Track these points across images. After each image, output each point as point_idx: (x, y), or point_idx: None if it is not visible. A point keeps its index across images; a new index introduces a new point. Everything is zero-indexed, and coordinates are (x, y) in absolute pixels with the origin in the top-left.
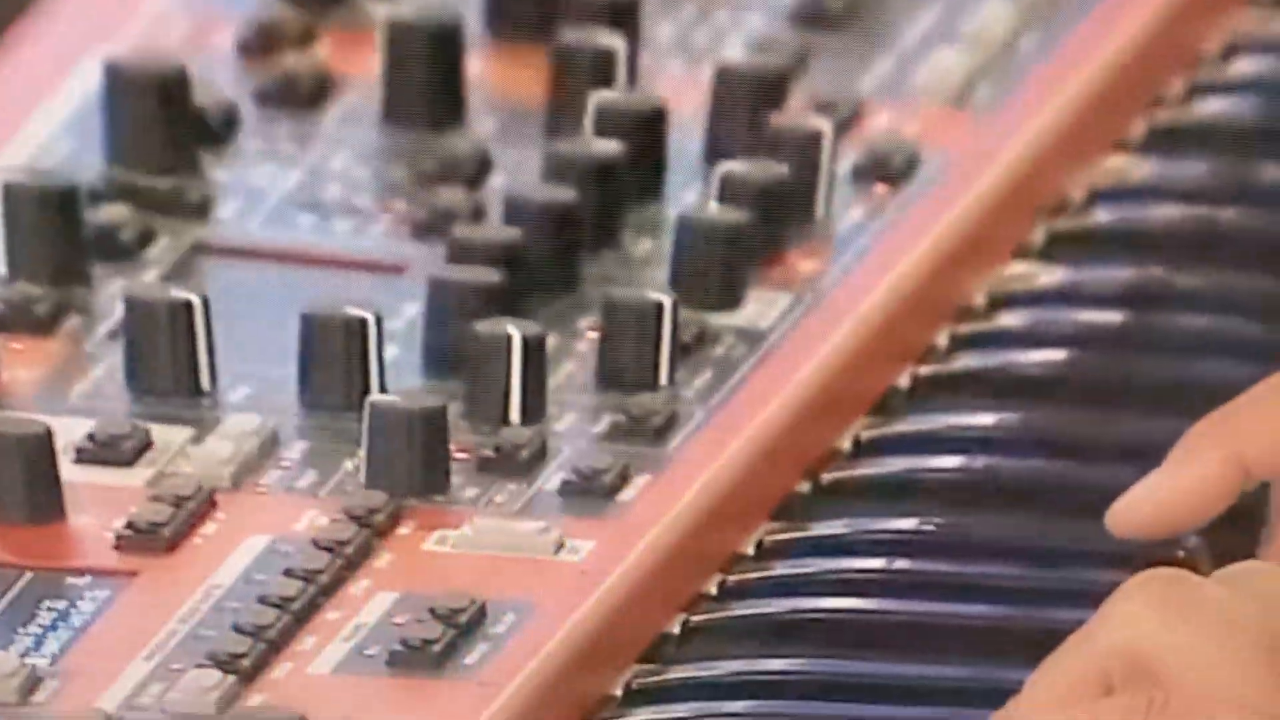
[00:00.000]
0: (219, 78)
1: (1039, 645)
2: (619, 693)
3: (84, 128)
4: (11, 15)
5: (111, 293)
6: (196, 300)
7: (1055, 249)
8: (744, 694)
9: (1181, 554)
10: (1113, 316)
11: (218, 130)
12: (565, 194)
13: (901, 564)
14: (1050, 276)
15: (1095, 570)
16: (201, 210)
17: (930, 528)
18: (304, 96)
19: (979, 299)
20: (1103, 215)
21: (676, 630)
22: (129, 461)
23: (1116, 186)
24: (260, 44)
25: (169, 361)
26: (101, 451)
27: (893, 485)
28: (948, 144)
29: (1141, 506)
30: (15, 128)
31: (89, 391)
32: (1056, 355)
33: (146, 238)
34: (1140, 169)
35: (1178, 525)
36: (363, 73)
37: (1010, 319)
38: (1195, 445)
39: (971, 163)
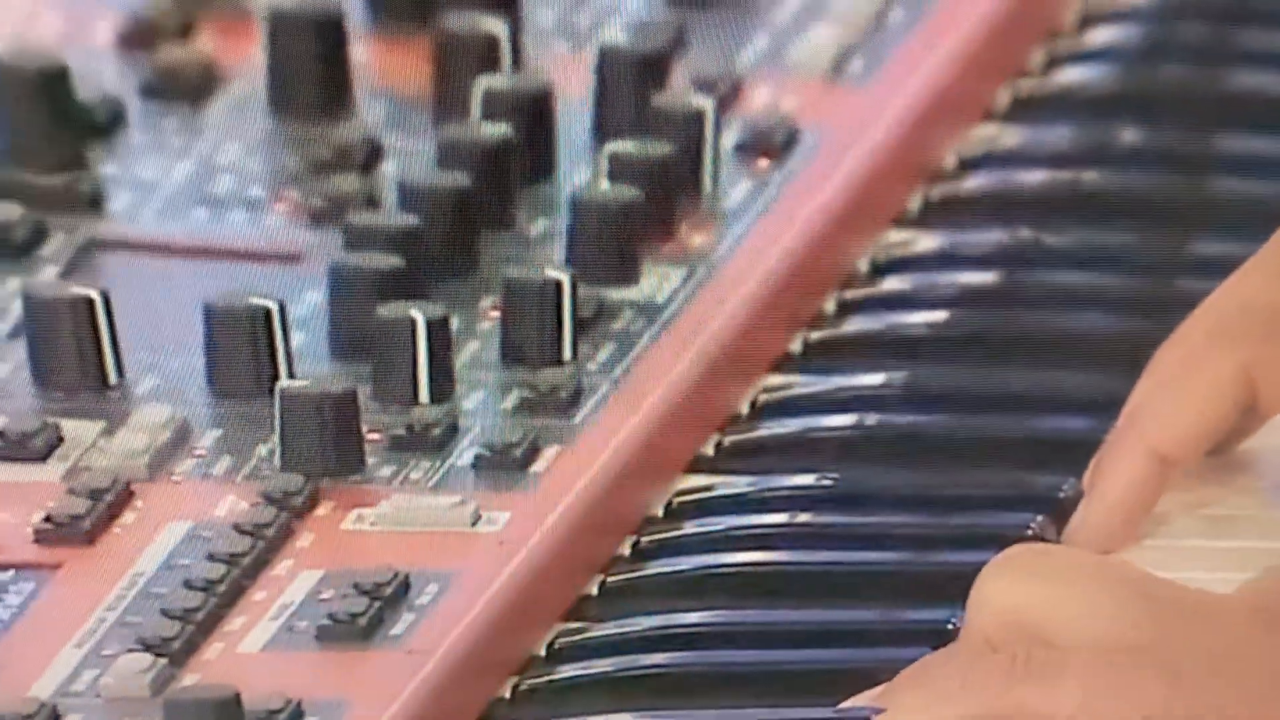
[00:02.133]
0: (100, 71)
1: (937, 587)
2: (542, 653)
3: None
4: None
5: (10, 291)
6: (97, 295)
7: (931, 215)
8: (662, 647)
9: (1031, 529)
10: (988, 276)
11: (103, 124)
12: (458, 178)
13: (804, 517)
14: (928, 241)
15: (985, 514)
16: (94, 205)
17: (828, 482)
18: (188, 88)
19: (863, 265)
20: (974, 181)
21: (594, 591)
22: (42, 457)
23: (985, 153)
24: (140, 36)
25: (74, 357)
26: (12, 448)
27: (791, 444)
28: (824, 118)
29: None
30: None
31: None
32: (938, 315)
33: (40, 235)
34: (1007, 136)
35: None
36: (246, 63)
37: (893, 283)
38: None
39: (848, 135)
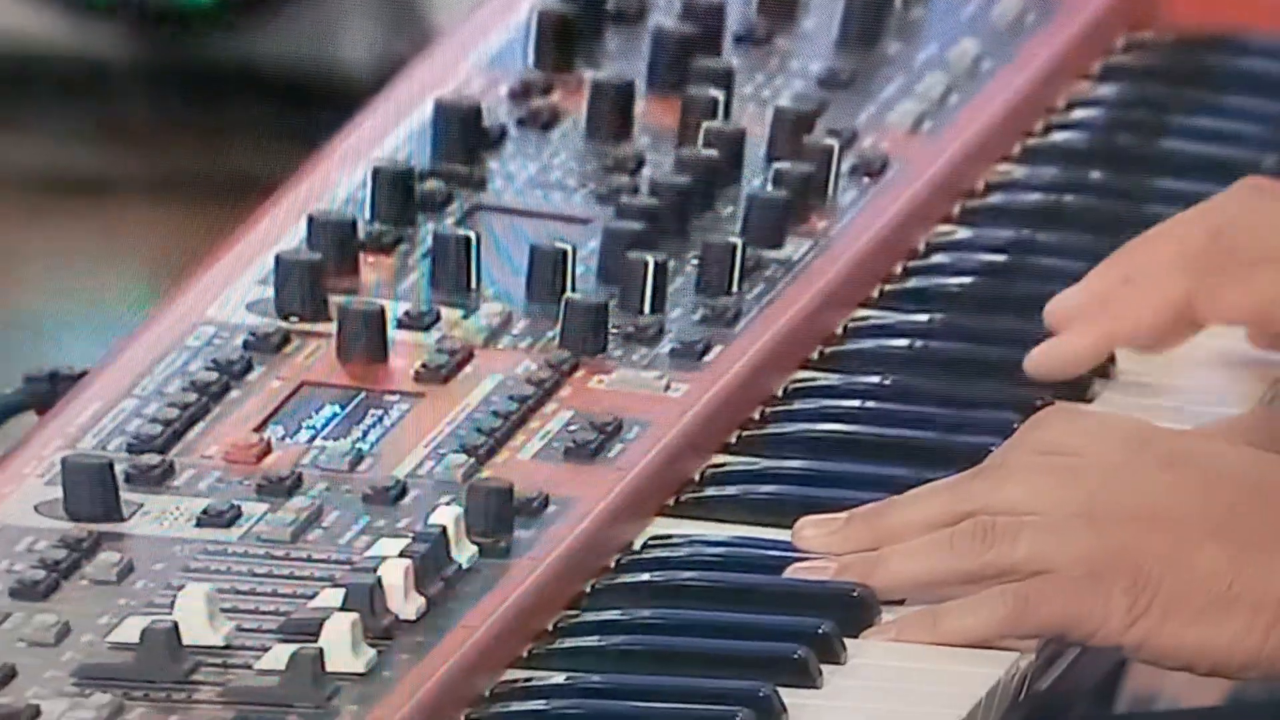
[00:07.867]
0: (498, 110)
1: (957, 456)
2: (697, 478)
3: (421, 138)
4: (390, 73)
5: (427, 231)
6: (472, 236)
7: (966, 217)
8: (775, 481)
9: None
10: (1000, 258)
11: (495, 140)
12: (684, 179)
13: (871, 404)
14: (963, 233)
15: (989, 411)
16: (481, 185)
17: (889, 382)
18: (543, 122)
19: (920, 245)
20: (994, 198)
21: (734, 440)
22: (426, 328)
23: (1004, 181)
24: (521, 92)
25: (454, 271)
26: (412, 322)
27: (868, 356)
28: (905, 155)
29: (1040, 360)
30: (385, 137)
31: (409, 287)
32: (966, 279)
33: (448, 200)
34: (1018, 171)
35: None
36: (576, 108)
37: (939, 258)
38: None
39: (919, 166)
